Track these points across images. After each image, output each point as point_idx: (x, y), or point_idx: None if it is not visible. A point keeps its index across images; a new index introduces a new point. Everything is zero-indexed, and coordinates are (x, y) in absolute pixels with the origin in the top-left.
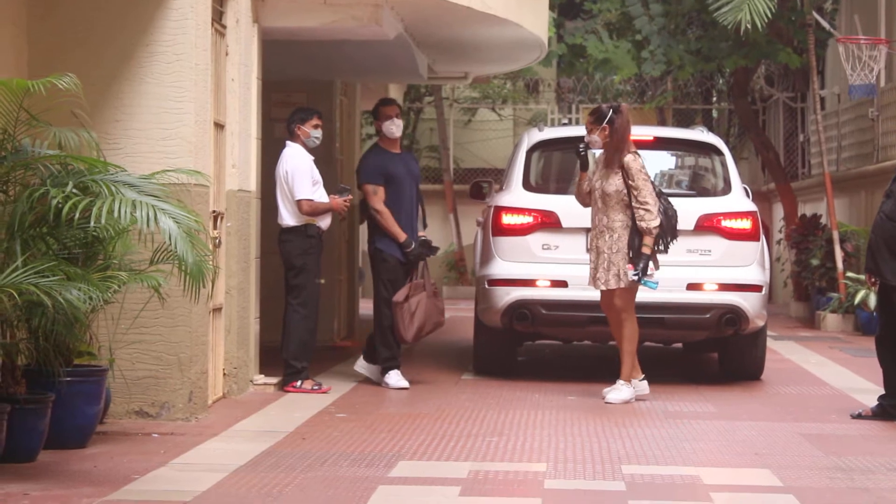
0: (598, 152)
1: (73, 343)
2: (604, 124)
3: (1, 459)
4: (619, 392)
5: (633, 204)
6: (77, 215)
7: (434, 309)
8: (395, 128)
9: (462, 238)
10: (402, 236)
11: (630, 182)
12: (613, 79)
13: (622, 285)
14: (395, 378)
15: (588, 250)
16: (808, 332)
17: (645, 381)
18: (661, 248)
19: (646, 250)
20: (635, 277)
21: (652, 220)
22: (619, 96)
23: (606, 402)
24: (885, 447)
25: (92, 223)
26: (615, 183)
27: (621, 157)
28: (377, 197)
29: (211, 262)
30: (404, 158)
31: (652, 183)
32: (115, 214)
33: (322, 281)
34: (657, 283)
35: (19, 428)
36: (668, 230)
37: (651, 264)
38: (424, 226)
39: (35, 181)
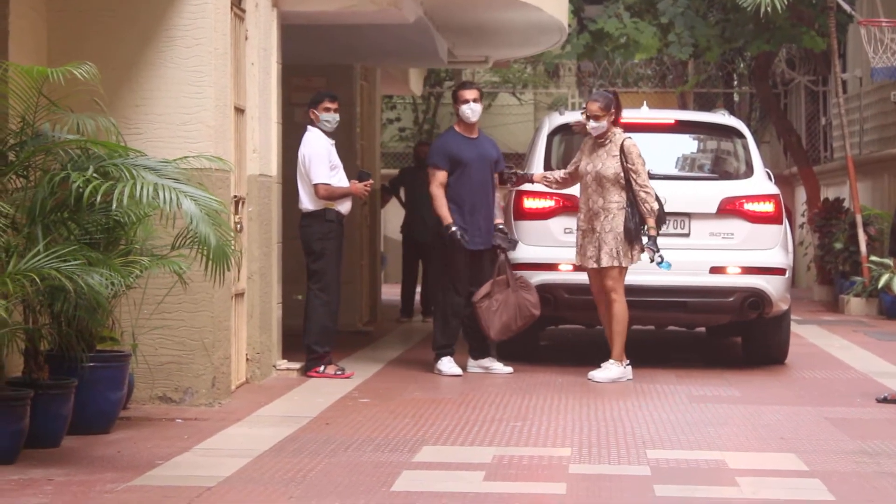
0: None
1: (96, 328)
2: (611, 110)
3: (25, 445)
4: (607, 371)
5: (634, 187)
6: (98, 199)
7: (524, 303)
8: (470, 112)
9: None
10: (447, 220)
11: (630, 166)
12: (634, 63)
13: (615, 264)
14: (447, 365)
15: (577, 229)
16: (832, 316)
17: (629, 367)
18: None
19: (652, 232)
20: (658, 261)
21: (654, 202)
22: (640, 80)
23: (593, 381)
24: None
25: (114, 205)
26: (613, 166)
27: (620, 140)
28: (434, 179)
29: (234, 246)
30: (479, 143)
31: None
32: (137, 197)
33: (299, 297)
34: (671, 263)
35: (43, 413)
36: (660, 216)
37: (651, 246)
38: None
39: (55, 166)
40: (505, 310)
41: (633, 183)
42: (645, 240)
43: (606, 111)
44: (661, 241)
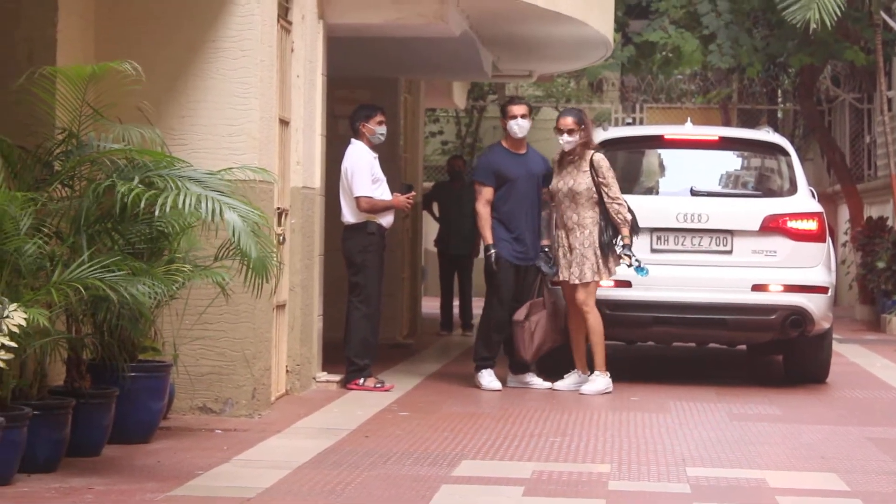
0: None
1: (138, 338)
2: (582, 126)
3: (66, 453)
4: (594, 384)
5: (606, 200)
6: (142, 207)
7: (554, 326)
8: (517, 128)
9: None
10: (488, 240)
11: (601, 180)
12: (678, 77)
13: (597, 279)
14: (487, 378)
15: (558, 247)
16: (874, 336)
17: (605, 377)
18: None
19: (626, 241)
20: (635, 265)
21: (626, 213)
22: (684, 96)
23: (581, 394)
24: None
25: (157, 212)
26: (585, 181)
27: (590, 156)
28: (480, 196)
29: (275, 259)
30: (527, 159)
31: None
32: (180, 207)
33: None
34: (647, 269)
35: (84, 422)
36: (632, 226)
37: (626, 253)
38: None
39: (100, 176)
40: (539, 332)
41: (605, 196)
42: (619, 248)
43: (579, 126)
44: (704, 257)
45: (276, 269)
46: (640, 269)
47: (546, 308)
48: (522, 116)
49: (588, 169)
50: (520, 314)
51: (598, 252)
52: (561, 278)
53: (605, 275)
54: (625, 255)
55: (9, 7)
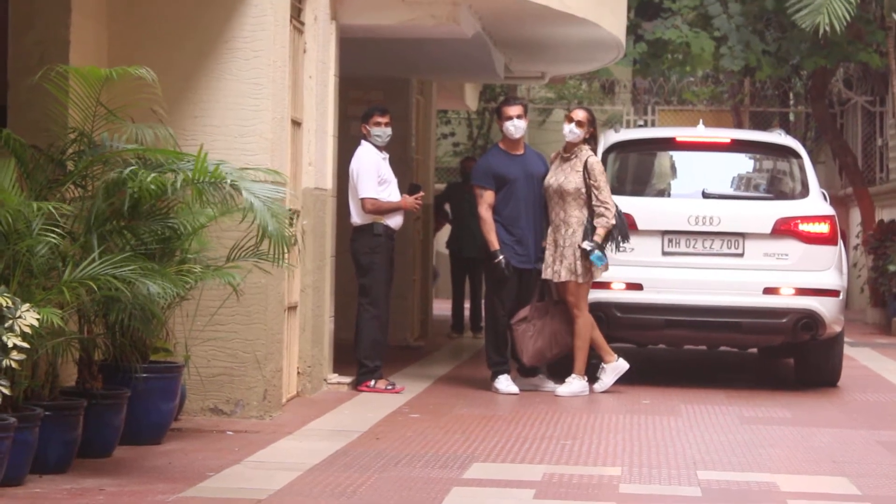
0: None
1: (150, 339)
2: (591, 127)
3: (77, 454)
4: (569, 386)
5: (594, 202)
6: (153, 192)
7: (560, 331)
8: (513, 128)
9: None
10: (494, 246)
11: (592, 182)
12: (689, 79)
13: (572, 279)
14: (504, 383)
15: (548, 243)
16: (885, 339)
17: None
18: (615, 246)
19: (597, 238)
20: (588, 247)
21: (610, 219)
22: (695, 98)
23: (557, 395)
24: None
25: (169, 191)
26: (575, 181)
27: (584, 157)
28: (482, 200)
29: (287, 258)
30: (525, 160)
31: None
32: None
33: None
34: (605, 258)
35: (95, 423)
36: (621, 231)
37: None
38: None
39: (113, 176)
40: (540, 336)
41: (595, 199)
42: (586, 244)
43: (589, 124)
44: (715, 259)
45: (292, 241)
46: (596, 257)
47: (549, 313)
48: (518, 117)
49: (581, 169)
50: (517, 317)
51: (578, 254)
52: (543, 276)
53: (586, 277)
54: (589, 243)
55: (22, 9)
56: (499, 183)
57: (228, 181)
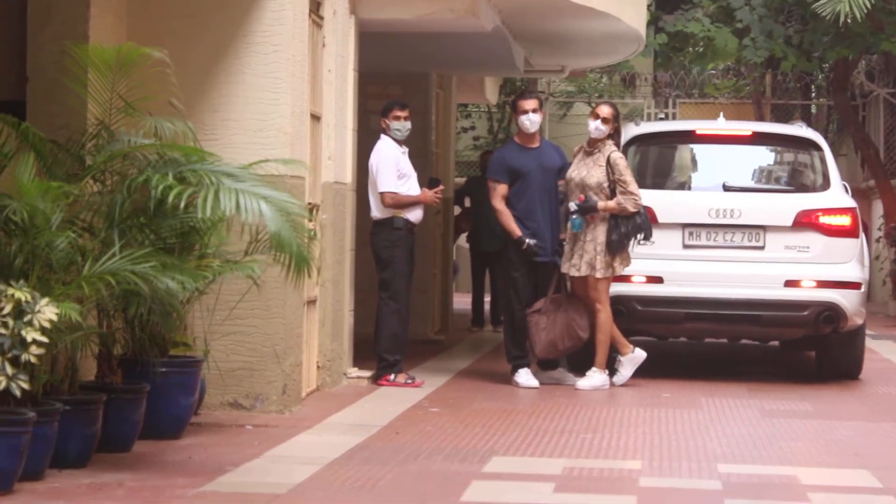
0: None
1: (169, 333)
2: (616, 123)
3: (97, 448)
4: (590, 379)
5: (620, 191)
6: (182, 203)
7: (573, 324)
8: (529, 122)
9: None
10: (516, 234)
11: (618, 177)
12: (711, 73)
13: (591, 273)
14: (524, 377)
15: (566, 239)
16: None
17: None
18: (635, 242)
19: (600, 205)
20: (573, 207)
21: (634, 206)
22: (717, 91)
23: (577, 389)
24: None
25: (199, 214)
26: (597, 175)
27: (608, 153)
28: (496, 193)
29: (313, 250)
30: (540, 153)
31: None
32: (222, 207)
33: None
34: (581, 222)
35: (115, 417)
36: (645, 228)
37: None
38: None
39: (132, 171)
40: (552, 328)
41: (621, 190)
42: (573, 204)
43: (613, 120)
44: (736, 252)
45: (316, 262)
46: (573, 219)
47: (563, 305)
48: (533, 111)
49: (604, 164)
50: (532, 308)
51: (601, 248)
52: (562, 269)
53: (607, 272)
54: (572, 207)
55: (40, 4)
56: (513, 176)
57: (250, 217)
